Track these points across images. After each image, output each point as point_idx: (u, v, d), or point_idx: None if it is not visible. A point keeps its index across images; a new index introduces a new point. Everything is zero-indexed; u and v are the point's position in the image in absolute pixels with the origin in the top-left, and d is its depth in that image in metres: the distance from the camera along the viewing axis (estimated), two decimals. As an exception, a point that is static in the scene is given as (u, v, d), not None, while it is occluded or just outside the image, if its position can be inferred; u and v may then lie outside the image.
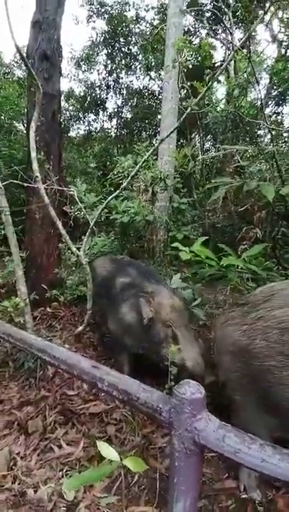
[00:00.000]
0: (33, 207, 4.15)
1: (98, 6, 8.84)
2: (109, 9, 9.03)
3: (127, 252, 2.93)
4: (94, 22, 9.25)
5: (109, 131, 11.64)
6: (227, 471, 1.63)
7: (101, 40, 9.48)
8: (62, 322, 3.87)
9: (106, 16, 8.95)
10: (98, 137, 11.38)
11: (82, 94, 10.88)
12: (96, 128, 11.43)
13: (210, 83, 1.95)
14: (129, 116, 11.52)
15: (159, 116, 7.87)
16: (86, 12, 8.86)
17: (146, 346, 2.13)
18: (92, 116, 11.62)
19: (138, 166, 2.26)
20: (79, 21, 9.54)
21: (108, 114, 11.37)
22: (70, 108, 11.89)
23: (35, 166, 2.56)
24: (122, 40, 9.95)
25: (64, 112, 11.82)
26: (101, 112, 11.52)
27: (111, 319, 2.46)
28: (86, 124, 11.86)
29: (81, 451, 1.80)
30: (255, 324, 1.42)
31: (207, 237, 2.30)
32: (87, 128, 11.53)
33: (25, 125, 4.35)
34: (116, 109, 11.02)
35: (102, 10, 8.92)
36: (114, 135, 11.40)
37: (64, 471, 1.68)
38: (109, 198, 2.43)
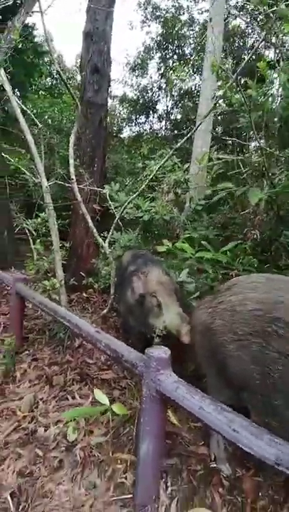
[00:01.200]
0: (77, 203, 4.74)
1: (152, 10, 9.22)
2: (164, 13, 9.34)
3: (149, 247, 3.27)
4: (148, 26, 9.65)
5: (158, 132, 11.99)
6: (204, 439, 1.87)
7: (155, 44, 9.86)
8: (94, 306, 4.39)
9: (160, 19, 9.29)
10: (147, 138, 11.81)
11: (134, 97, 11.41)
12: (145, 129, 11.89)
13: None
14: (178, 117, 11.73)
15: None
16: (140, 17, 9.29)
17: (144, 322, 2.36)
18: (142, 118, 12.11)
19: (155, 171, 2.57)
20: (133, 26, 10.04)
21: (158, 115, 11.72)
22: (124, 111, 12.55)
23: (71, 170, 3.03)
24: (175, 42, 10.21)
25: (117, 114, 12.58)
26: (151, 114, 11.94)
27: (121, 303, 2.84)
28: (137, 125, 12.40)
29: (89, 404, 2.21)
30: (217, 307, 1.70)
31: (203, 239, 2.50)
32: (138, 129, 12.04)
33: (79, 129, 4.89)
34: (166, 111, 11.31)
35: (157, 14, 9.28)
36: (163, 136, 11.71)
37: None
38: (130, 198, 2.79)
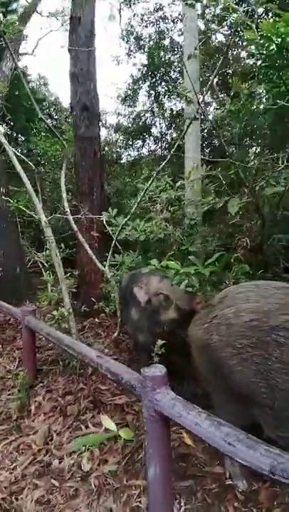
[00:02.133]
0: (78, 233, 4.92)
1: (134, 41, 9.85)
2: (147, 41, 9.94)
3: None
4: (134, 57, 10.29)
5: (155, 153, 12.39)
6: (219, 459, 1.80)
7: (141, 73, 10.45)
8: (106, 330, 4.40)
9: (144, 49, 9.90)
10: (146, 161, 12.21)
11: (129, 125, 11.98)
12: (143, 153, 12.32)
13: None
14: (174, 135, 12.13)
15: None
16: (124, 50, 9.94)
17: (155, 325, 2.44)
18: (139, 143, 12.60)
19: (142, 193, 2.67)
20: (119, 61, 10.74)
21: (154, 138, 12.17)
22: (121, 138, 13.14)
23: (65, 203, 3.20)
24: (161, 69, 10.79)
25: (114, 142, 13.18)
26: (147, 137, 12.42)
27: (128, 323, 2.86)
28: (135, 150, 12.91)
29: (102, 431, 2.19)
30: (212, 322, 1.65)
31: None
32: (136, 154, 12.51)
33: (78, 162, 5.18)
34: (160, 133, 11.76)
35: (140, 43, 9.90)
36: (159, 156, 12.08)
37: (86, 446, 2.09)
38: (122, 221, 2.89)
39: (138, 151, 12.76)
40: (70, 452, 2.07)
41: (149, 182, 2.71)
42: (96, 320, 4.74)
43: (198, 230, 2.99)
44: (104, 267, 3.07)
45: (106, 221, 3.47)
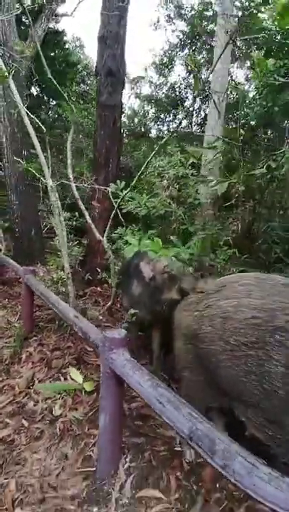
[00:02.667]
0: (95, 203, 4.99)
1: (175, 9, 9.22)
2: (189, 10, 9.27)
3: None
4: (174, 24, 9.66)
5: (186, 129, 11.91)
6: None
7: (180, 41, 9.84)
8: (106, 300, 4.56)
9: (185, 17, 9.25)
10: (175, 136, 11.79)
11: (162, 96, 11.48)
12: (173, 127, 11.88)
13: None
14: (210, 112, 11.54)
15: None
16: (163, 16, 9.34)
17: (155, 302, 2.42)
18: (171, 116, 12.11)
19: (143, 168, 2.65)
20: (156, 26, 10.10)
21: (186, 112, 11.64)
22: (152, 110, 12.67)
23: (69, 170, 3.23)
24: (203, 38, 10.07)
25: (146, 114, 12.75)
26: (180, 112, 11.89)
27: (125, 297, 2.92)
28: (165, 124, 12.45)
29: (85, 387, 2.37)
30: (205, 311, 1.56)
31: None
32: (166, 128, 12.08)
33: (96, 130, 5.14)
34: (193, 107, 11.21)
35: (181, 12, 9.25)
36: (190, 132, 11.62)
37: (62, 393, 2.28)
38: (124, 194, 2.91)
39: (168, 125, 12.32)
40: (46, 398, 2.27)
41: (150, 157, 2.67)
42: (98, 289, 4.91)
43: (199, 211, 2.94)
44: (103, 237, 3.13)
45: (112, 193, 3.50)
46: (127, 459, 1.62)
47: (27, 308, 3.33)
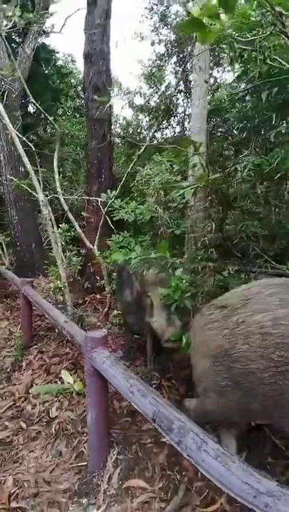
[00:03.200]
0: (86, 213, 5.16)
1: (160, 18, 9.51)
2: (174, 17, 9.56)
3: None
4: (160, 34, 9.95)
5: (180, 135, 12.11)
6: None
7: (167, 49, 10.13)
8: (105, 306, 4.69)
9: (170, 25, 9.54)
10: (170, 143, 12.00)
11: (154, 105, 11.73)
12: (166, 134, 12.08)
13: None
14: (192, 118, 11.72)
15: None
16: (149, 27, 9.64)
17: (139, 320, 2.49)
18: (164, 124, 12.34)
19: (125, 176, 2.80)
20: (143, 37, 10.41)
21: (178, 118, 11.84)
22: (146, 119, 12.93)
23: (57, 183, 3.40)
24: (190, 45, 10.33)
25: (140, 124, 13.05)
26: (172, 118, 12.11)
27: (119, 302, 3.03)
28: (159, 131, 12.67)
29: (75, 387, 2.48)
30: (237, 328, 1.44)
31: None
32: (160, 136, 12.30)
33: (88, 144, 5.36)
34: (185, 113, 11.40)
35: (166, 21, 9.55)
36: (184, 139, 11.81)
37: (59, 397, 2.39)
38: (110, 202, 3.06)
39: (161, 132, 12.53)
40: (44, 401, 2.39)
41: (131, 165, 2.82)
42: (98, 296, 5.04)
43: (186, 214, 3.06)
44: (93, 245, 3.27)
45: (105, 203, 3.65)
46: (115, 452, 1.72)
47: (26, 319, 3.47)
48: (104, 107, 5.15)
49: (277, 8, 1.35)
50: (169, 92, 11.84)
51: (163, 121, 12.53)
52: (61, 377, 2.67)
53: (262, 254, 2.32)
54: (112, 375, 1.38)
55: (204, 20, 1.08)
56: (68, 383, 2.08)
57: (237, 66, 2.63)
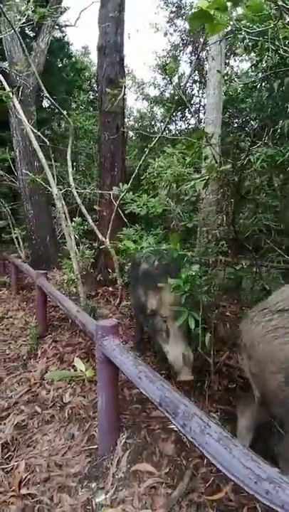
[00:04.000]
0: (99, 206, 5.21)
1: (175, 9, 9.32)
2: (189, 8, 9.35)
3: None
4: (174, 25, 9.77)
5: (195, 127, 11.91)
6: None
7: (183, 40, 9.94)
8: (117, 299, 4.77)
9: (185, 16, 9.34)
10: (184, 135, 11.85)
11: (168, 96, 11.59)
12: (180, 126, 11.93)
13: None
14: (207, 108, 11.49)
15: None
16: (164, 18, 9.49)
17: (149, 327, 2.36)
18: (178, 115, 12.16)
19: (137, 168, 2.82)
20: (158, 28, 10.23)
21: (194, 109, 11.64)
22: (160, 111, 12.79)
23: (70, 177, 3.45)
24: (204, 35, 10.08)
25: (154, 116, 12.93)
26: (187, 110, 11.91)
27: (132, 297, 2.89)
28: (173, 124, 12.52)
29: (87, 374, 2.57)
30: None
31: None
32: (174, 127, 12.15)
33: (100, 137, 5.40)
34: (200, 104, 11.21)
35: (181, 12, 9.35)
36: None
37: (72, 383, 2.49)
38: (122, 194, 3.09)
39: (175, 124, 12.38)
40: (58, 387, 2.48)
41: (143, 157, 2.83)
42: (110, 288, 5.12)
43: (198, 207, 3.05)
44: (105, 237, 3.32)
45: (116, 196, 3.70)
46: (124, 436, 1.78)
47: (41, 309, 3.59)
48: (116, 99, 5.16)
49: (280, 2, 1.34)
50: (183, 82, 11.65)
51: (177, 112, 12.36)
52: (74, 365, 2.77)
53: (274, 248, 2.30)
54: (122, 362, 1.43)
55: (212, 12, 1.08)
56: (81, 371, 2.16)
57: (253, 55, 2.55)
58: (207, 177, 1.81)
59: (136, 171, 2.93)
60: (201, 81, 11.26)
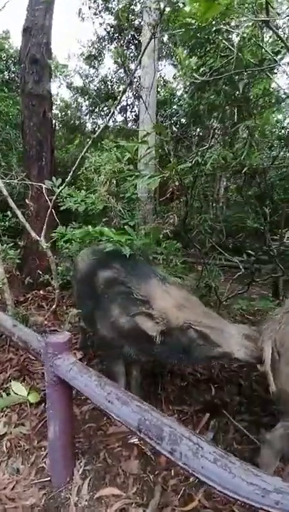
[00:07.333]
0: (29, 201, 4.64)
1: (102, 3, 9.05)
2: (116, 4, 9.18)
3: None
4: (101, 17, 9.46)
5: (121, 124, 11.87)
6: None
7: (109, 34, 9.71)
8: (50, 303, 4.35)
9: (111, 10, 9.14)
10: (114, 131, 11.64)
11: (94, 89, 11.21)
12: (107, 121, 11.71)
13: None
14: (142, 108, 11.66)
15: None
16: (89, 9, 9.11)
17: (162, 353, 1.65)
18: (105, 111, 11.90)
19: (79, 159, 2.58)
20: (84, 18, 9.77)
21: (120, 107, 11.56)
22: (86, 103, 12.26)
23: None
24: (131, 32, 10.07)
25: (79, 107, 12.34)
26: (113, 106, 11.75)
27: (100, 323, 1.93)
28: (100, 118, 12.20)
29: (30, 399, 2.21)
30: None
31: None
32: (101, 122, 11.85)
33: (24, 122, 4.77)
34: (127, 102, 11.20)
35: (108, 5, 9.12)
36: (126, 129, 11.62)
37: (6, 411, 2.11)
38: (59, 190, 2.79)
39: (103, 119, 12.11)
40: (-12, 418, 2.08)
41: (83, 152, 2.60)
42: (41, 292, 4.65)
43: (138, 205, 2.98)
44: (40, 237, 2.95)
45: (49, 190, 3.30)
46: (82, 463, 1.58)
47: None
48: (44, 80, 4.64)
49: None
50: (108, 77, 11.45)
51: (103, 107, 12.09)
52: (6, 388, 2.37)
53: (216, 246, 2.40)
54: (83, 384, 1.24)
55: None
56: (21, 395, 1.82)
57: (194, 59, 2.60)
58: (161, 175, 1.74)
59: (76, 164, 2.65)
60: (127, 78, 11.25)
